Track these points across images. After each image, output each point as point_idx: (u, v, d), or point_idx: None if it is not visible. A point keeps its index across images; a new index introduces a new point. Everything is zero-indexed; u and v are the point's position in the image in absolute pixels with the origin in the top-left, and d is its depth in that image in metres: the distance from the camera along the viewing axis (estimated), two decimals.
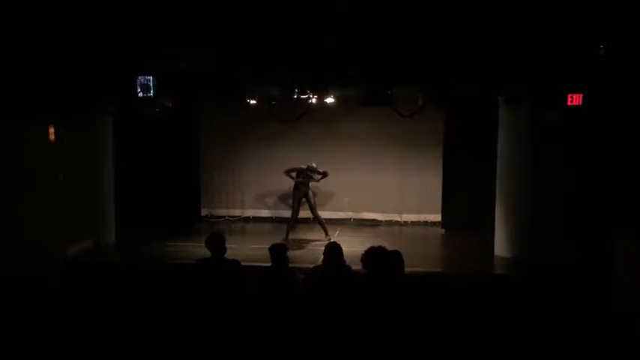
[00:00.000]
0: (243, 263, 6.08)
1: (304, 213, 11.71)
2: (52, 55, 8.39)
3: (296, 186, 11.41)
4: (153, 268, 8.57)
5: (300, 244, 10.95)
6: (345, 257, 5.73)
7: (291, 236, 11.22)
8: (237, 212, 13.57)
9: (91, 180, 10.80)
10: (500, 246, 10.28)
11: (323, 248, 5.82)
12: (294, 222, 11.44)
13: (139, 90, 8.47)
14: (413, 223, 13.07)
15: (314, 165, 11.39)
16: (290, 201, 11.80)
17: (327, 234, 11.17)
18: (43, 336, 5.41)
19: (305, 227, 11.73)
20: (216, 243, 5.84)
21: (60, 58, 8.49)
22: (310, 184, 11.48)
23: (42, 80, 8.66)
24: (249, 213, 13.54)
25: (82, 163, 10.60)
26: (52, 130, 9.51)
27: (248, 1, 7.62)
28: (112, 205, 11.18)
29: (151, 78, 8.48)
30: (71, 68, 8.67)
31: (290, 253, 6.03)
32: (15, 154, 8.71)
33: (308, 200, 11.34)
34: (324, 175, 11.51)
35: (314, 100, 10.15)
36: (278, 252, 5.83)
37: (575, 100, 8.47)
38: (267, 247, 5.91)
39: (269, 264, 5.87)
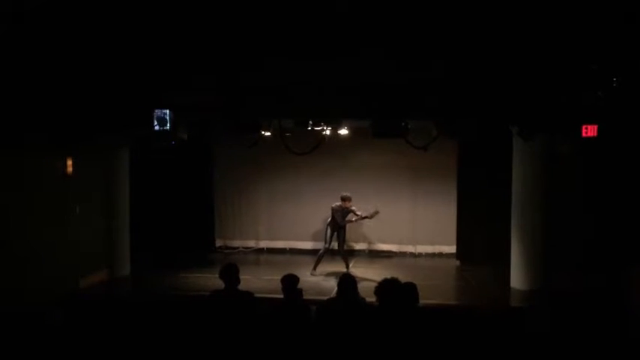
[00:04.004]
0: (256, 295, 6.06)
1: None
2: (70, 89, 8.56)
3: (333, 222, 11.01)
4: (166, 301, 8.56)
5: (318, 275, 10.86)
6: (358, 289, 5.71)
7: (316, 268, 10.94)
8: (251, 243, 13.56)
9: (107, 211, 10.89)
10: (516, 278, 10.15)
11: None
12: (324, 252, 11.01)
13: (155, 123, 8.59)
14: (427, 254, 13.00)
15: (348, 199, 10.97)
16: (322, 233, 11.41)
17: (347, 268, 11.03)
18: None
19: (324, 258, 11.51)
20: (230, 274, 5.85)
21: (79, 93, 8.68)
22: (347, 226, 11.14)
23: (60, 114, 8.83)
24: (263, 244, 13.54)
25: (98, 194, 10.70)
26: (69, 162, 9.64)
27: (260, 34, 7.71)
28: (126, 236, 11.23)
29: (168, 111, 8.60)
30: (90, 102, 8.84)
31: (307, 285, 5.99)
32: (32, 186, 8.81)
33: (339, 236, 11.03)
34: (362, 217, 11.11)
35: (328, 132, 10.20)
36: (289, 283, 5.81)
37: (589, 131, 8.43)
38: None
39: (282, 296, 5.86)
